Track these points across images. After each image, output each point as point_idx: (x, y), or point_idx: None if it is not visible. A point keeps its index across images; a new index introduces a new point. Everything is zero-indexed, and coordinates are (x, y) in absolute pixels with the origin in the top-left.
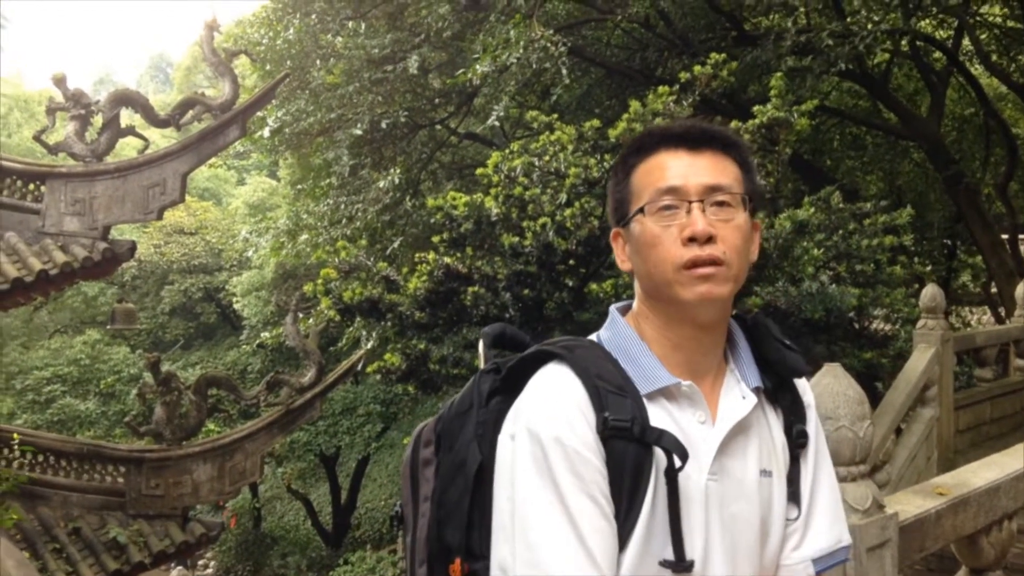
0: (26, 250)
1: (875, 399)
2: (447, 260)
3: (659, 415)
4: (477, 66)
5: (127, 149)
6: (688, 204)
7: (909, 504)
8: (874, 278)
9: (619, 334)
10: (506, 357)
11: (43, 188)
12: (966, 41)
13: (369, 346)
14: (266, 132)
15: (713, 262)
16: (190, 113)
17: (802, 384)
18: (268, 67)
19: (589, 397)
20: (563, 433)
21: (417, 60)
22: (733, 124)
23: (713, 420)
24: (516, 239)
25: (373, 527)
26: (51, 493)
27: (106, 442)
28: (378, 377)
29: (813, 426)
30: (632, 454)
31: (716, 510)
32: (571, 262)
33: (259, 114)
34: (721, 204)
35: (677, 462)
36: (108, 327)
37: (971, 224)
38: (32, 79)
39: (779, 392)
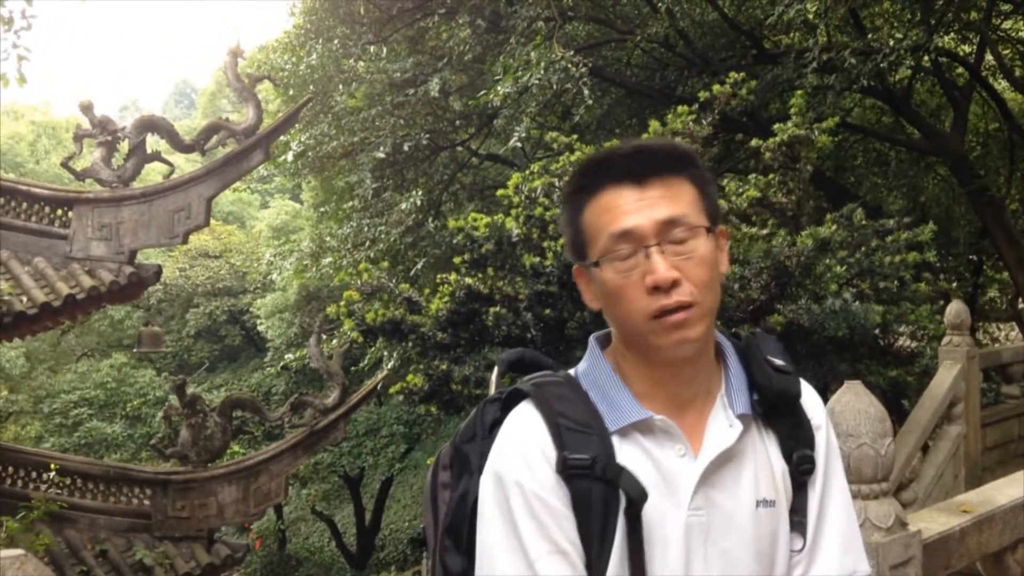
0: (54, 275)
1: (902, 417)
2: (468, 281)
3: (631, 452)
4: (498, 87)
5: (153, 174)
6: (645, 248)
7: (933, 522)
8: (898, 295)
9: (595, 368)
10: (515, 384)
11: (71, 214)
12: (989, 56)
13: (391, 366)
14: (289, 156)
15: (682, 307)
16: (214, 138)
17: (811, 405)
18: (291, 92)
19: (551, 436)
20: (523, 477)
21: (438, 83)
22: (754, 142)
23: (696, 452)
24: (537, 259)
25: (397, 548)
26: (78, 516)
27: (132, 465)
28: (401, 398)
29: (822, 450)
30: (599, 494)
31: (700, 547)
32: None
33: (282, 138)
34: (680, 241)
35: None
36: (134, 350)
37: (997, 239)
38: (60, 107)
39: (776, 416)
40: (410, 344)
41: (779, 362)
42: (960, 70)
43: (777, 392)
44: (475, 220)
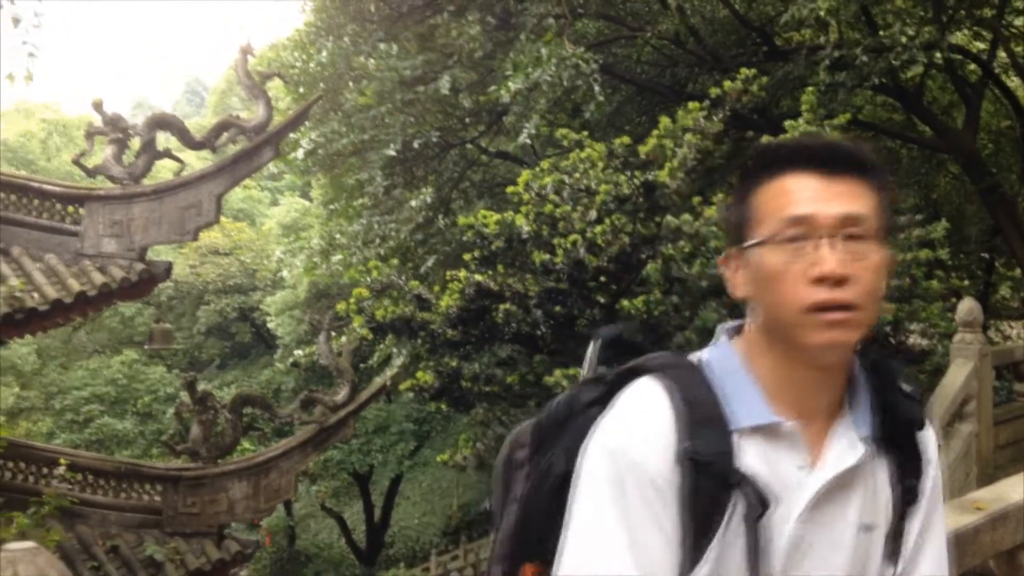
0: (65, 272)
1: None
2: (478, 278)
3: (752, 453)
4: (509, 83)
5: (164, 171)
6: (818, 238)
7: (946, 519)
8: (910, 292)
9: (725, 360)
10: (613, 368)
11: (82, 210)
12: (1001, 53)
13: (400, 363)
14: (299, 153)
15: (844, 307)
16: (225, 135)
17: (925, 436)
18: (301, 89)
19: (675, 423)
20: (640, 457)
21: (448, 80)
22: (764, 139)
23: (814, 465)
24: (547, 256)
25: (406, 545)
26: (90, 512)
27: (143, 461)
28: (411, 395)
29: (930, 482)
30: (710, 491)
31: (799, 561)
32: (602, 279)
33: (292, 136)
34: (856, 238)
35: (758, 510)
36: (145, 347)
37: (1009, 237)
38: (71, 104)
39: (893, 443)
40: (420, 341)
41: (908, 389)
42: (972, 67)
43: (904, 420)
44: (485, 217)
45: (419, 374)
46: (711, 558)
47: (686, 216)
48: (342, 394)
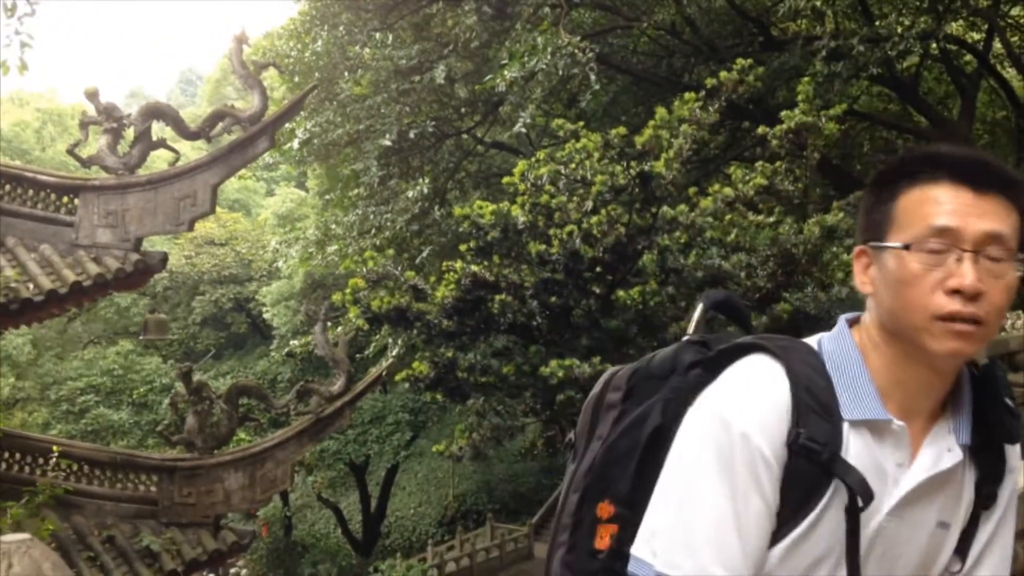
0: (60, 262)
1: None
2: (474, 268)
3: (857, 445)
4: (505, 72)
5: (158, 162)
6: (960, 251)
7: None
8: None
9: (843, 351)
10: (715, 334)
11: (76, 201)
12: (997, 44)
13: (396, 353)
14: (295, 143)
15: (974, 320)
16: (220, 125)
17: (1016, 449)
18: (296, 79)
19: (791, 406)
20: (754, 432)
21: (444, 70)
22: (761, 130)
23: (910, 463)
24: (543, 247)
25: (403, 535)
26: (85, 502)
27: (139, 451)
28: (406, 385)
29: (1008, 491)
30: (812, 477)
31: (880, 549)
32: (598, 269)
33: (288, 126)
34: (995, 259)
35: (860, 502)
36: (140, 337)
37: None
38: (66, 94)
39: (984, 450)
40: (416, 332)
41: (1011, 404)
42: (968, 58)
43: (1000, 434)
44: (481, 208)
45: (415, 364)
46: (797, 534)
47: (682, 207)
48: (338, 384)
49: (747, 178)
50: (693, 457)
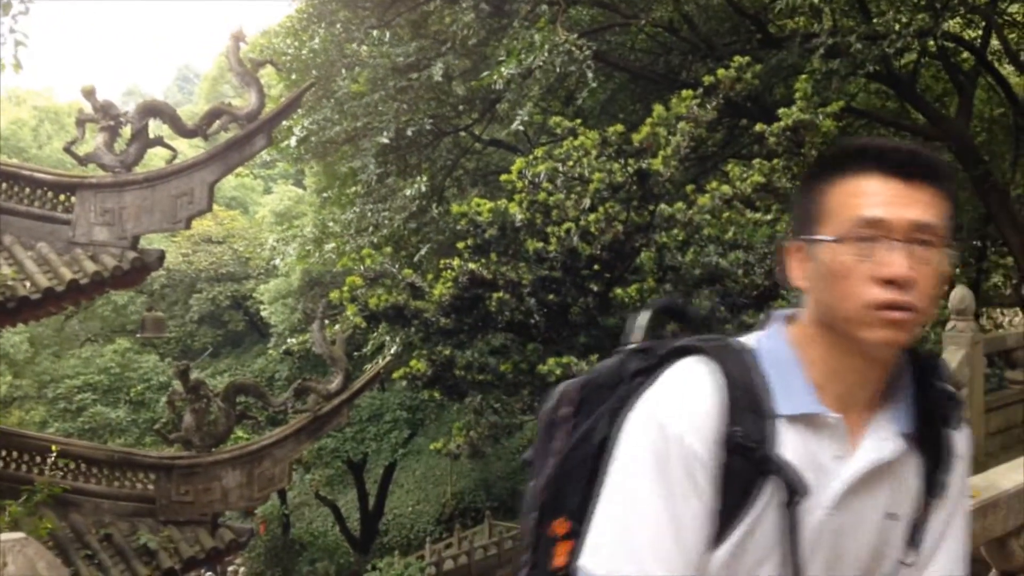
0: (57, 260)
1: None
2: (472, 266)
3: (793, 441)
4: (502, 69)
5: (155, 159)
6: (891, 241)
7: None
8: None
9: (777, 347)
10: (661, 340)
11: (73, 199)
12: (995, 41)
13: (393, 352)
14: (292, 141)
15: (908, 308)
16: (217, 123)
17: (958, 434)
18: (294, 76)
19: (725, 406)
20: (689, 433)
21: (441, 67)
22: (758, 127)
23: (850, 455)
24: (540, 244)
25: (401, 533)
26: (83, 500)
27: (136, 450)
28: (404, 383)
29: (957, 479)
30: (748, 473)
31: (826, 543)
32: (596, 267)
33: (285, 123)
34: (924, 243)
35: (796, 497)
36: (138, 335)
37: (1001, 225)
38: (62, 92)
39: (928, 438)
40: (413, 330)
41: (949, 388)
42: (966, 55)
43: (941, 420)
44: (478, 205)
45: (412, 362)
46: (738, 534)
47: (679, 204)
48: (336, 382)
49: (745, 175)
50: (630, 462)
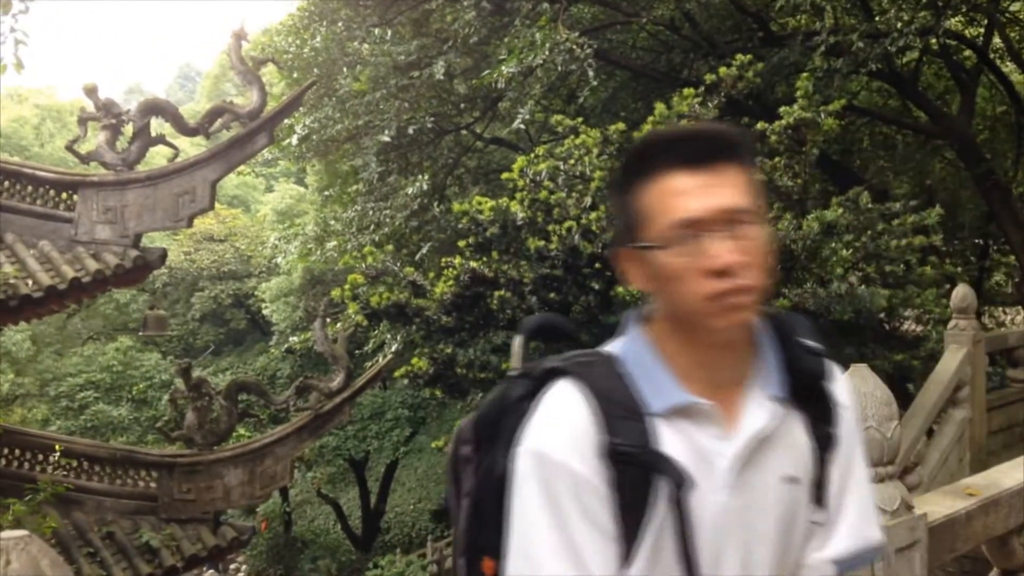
0: (59, 258)
1: (907, 401)
2: (473, 264)
3: (672, 435)
4: (503, 67)
5: (157, 158)
6: (708, 233)
7: (939, 505)
8: (904, 279)
9: (635, 349)
10: (537, 361)
11: (75, 197)
12: (997, 39)
13: (394, 350)
14: (294, 139)
15: (742, 291)
16: (219, 121)
17: (837, 385)
18: (295, 75)
19: (595, 420)
20: (568, 458)
21: (443, 66)
22: (760, 125)
23: (732, 434)
24: (542, 243)
25: (402, 531)
26: (85, 498)
27: (138, 447)
28: (406, 382)
29: (845, 427)
30: (638, 479)
31: (732, 525)
32: (597, 265)
33: (287, 122)
34: (740, 226)
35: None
36: (140, 333)
37: (1003, 223)
38: (64, 90)
39: (805, 394)
40: (415, 328)
41: (811, 343)
42: (968, 53)
43: (810, 374)
44: (480, 204)
45: (414, 361)
46: (647, 546)
47: None
48: (337, 380)
49: None
50: (523, 497)
